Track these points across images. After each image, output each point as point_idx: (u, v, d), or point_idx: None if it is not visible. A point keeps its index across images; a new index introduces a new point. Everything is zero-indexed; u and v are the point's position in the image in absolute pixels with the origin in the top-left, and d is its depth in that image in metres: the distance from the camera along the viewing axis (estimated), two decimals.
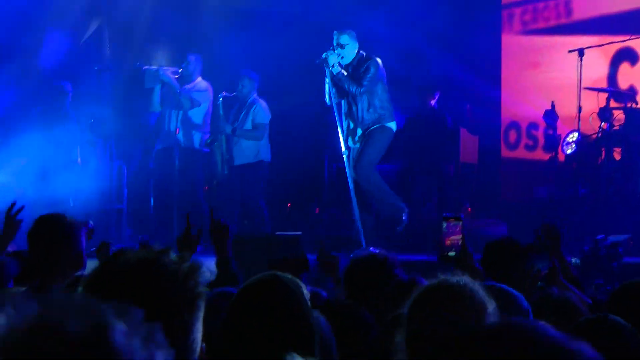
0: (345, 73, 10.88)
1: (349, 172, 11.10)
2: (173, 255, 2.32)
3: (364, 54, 11.06)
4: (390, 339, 3.18)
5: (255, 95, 12.32)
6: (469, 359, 1.68)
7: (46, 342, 1.34)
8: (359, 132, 11.05)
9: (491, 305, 3.10)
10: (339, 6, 13.64)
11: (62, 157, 12.70)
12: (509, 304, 3.75)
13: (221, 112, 12.30)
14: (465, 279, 3.16)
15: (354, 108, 10.95)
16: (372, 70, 10.88)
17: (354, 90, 10.80)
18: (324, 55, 10.83)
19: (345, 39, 10.97)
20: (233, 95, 12.40)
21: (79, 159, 13.09)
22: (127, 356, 1.33)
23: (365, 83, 10.85)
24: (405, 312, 3.09)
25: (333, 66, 10.79)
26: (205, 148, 12.69)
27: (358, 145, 11.16)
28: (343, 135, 11.21)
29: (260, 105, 12.29)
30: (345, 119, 11.09)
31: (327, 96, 11.08)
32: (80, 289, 2.55)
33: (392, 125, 11.04)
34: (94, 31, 14.50)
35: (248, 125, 12.20)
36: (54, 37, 13.86)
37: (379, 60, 11.08)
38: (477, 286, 3.15)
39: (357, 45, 11.05)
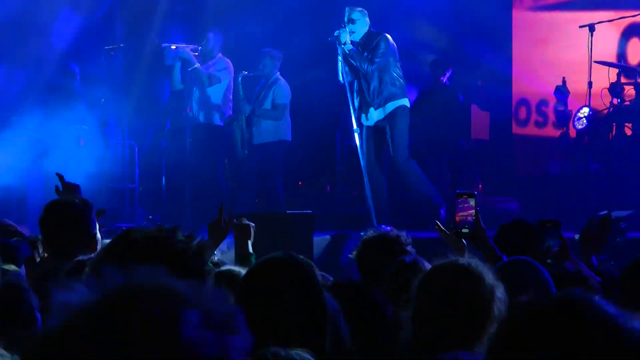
0: (356, 50, 10.86)
1: (360, 150, 11.05)
2: (181, 235, 2.38)
3: (373, 31, 11.01)
4: (400, 321, 3.29)
5: (277, 74, 12.28)
6: (533, 330, 1.67)
7: (118, 320, 1.35)
8: (372, 110, 10.95)
9: (499, 289, 3.14)
10: None
11: (68, 137, 12.58)
12: (534, 274, 3.89)
13: (241, 92, 12.24)
14: (475, 260, 3.22)
15: (364, 85, 10.92)
16: (383, 45, 10.80)
17: (365, 67, 10.75)
18: (336, 33, 10.75)
19: (356, 14, 10.90)
20: (253, 75, 12.37)
21: (81, 140, 12.76)
22: (195, 349, 1.32)
23: (376, 60, 10.78)
24: (413, 292, 3.12)
25: (345, 43, 10.73)
26: (226, 126, 12.63)
27: (373, 125, 11.04)
28: (355, 114, 11.12)
29: (281, 85, 12.25)
30: (357, 96, 11.01)
31: (340, 74, 11.01)
32: (86, 269, 2.64)
33: (406, 102, 10.99)
34: (106, 10, 14.25)
35: (268, 105, 12.16)
36: (66, 15, 13.54)
37: (388, 35, 11.02)
38: (485, 269, 3.20)
39: (367, 22, 10.98)
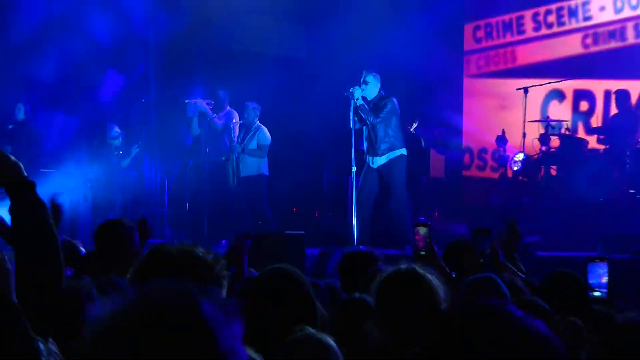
0: (365, 105, 10.95)
1: (354, 184, 11.29)
2: (200, 249, 2.49)
3: (383, 94, 11.19)
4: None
5: (257, 121, 12.59)
6: (454, 335, 1.78)
7: (151, 318, 1.42)
8: (377, 154, 11.14)
9: (441, 290, 3.34)
10: (325, 51, 13.94)
11: (111, 172, 12.90)
12: (495, 287, 4.08)
13: (233, 135, 12.59)
14: (422, 269, 3.38)
15: (372, 134, 11.11)
16: (390, 106, 11.03)
17: (372, 119, 10.93)
18: (350, 90, 10.88)
19: (370, 78, 11.12)
20: (241, 122, 12.68)
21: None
22: (215, 324, 1.41)
23: (382, 115, 10.97)
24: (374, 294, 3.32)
25: (358, 99, 10.85)
26: (224, 162, 12.86)
27: (376, 167, 11.18)
28: (354, 155, 11.17)
29: (263, 130, 12.54)
30: (365, 141, 11.21)
31: (351, 122, 11.14)
32: (128, 276, 2.76)
33: (404, 151, 11.20)
34: (143, 70, 14.64)
35: (254, 145, 12.44)
36: (111, 74, 13.98)
37: (395, 99, 11.23)
38: (428, 274, 3.38)
39: (379, 85, 11.17)
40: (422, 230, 5.42)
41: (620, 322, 2.46)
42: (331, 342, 2.97)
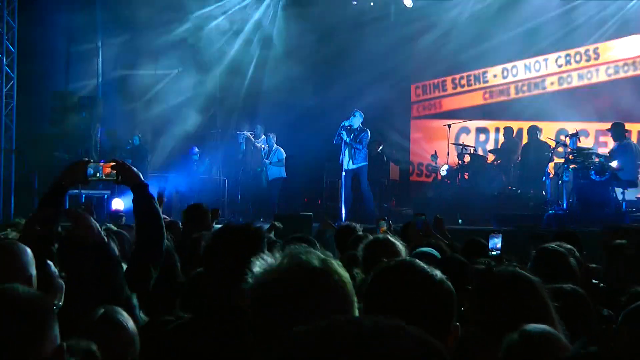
0: (352, 142, 11.35)
1: (343, 182, 12.05)
2: (253, 225, 2.59)
3: (362, 126, 11.78)
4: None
5: (274, 144, 13.46)
6: (379, 284, 1.81)
7: (301, 272, 1.44)
8: (352, 164, 11.83)
9: (403, 248, 3.17)
10: (327, 101, 14.38)
11: (191, 177, 13.78)
12: (429, 257, 3.66)
13: (263, 153, 13.57)
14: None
15: (350, 151, 11.74)
16: (367, 136, 11.77)
17: (355, 144, 11.63)
18: (348, 122, 11.44)
19: (357, 113, 11.68)
20: (266, 145, 13.43)
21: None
22: (341, 278, 1.43)
23: (363, 142, 11.74)
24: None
25: (350, 126, 11.43)
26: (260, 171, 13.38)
27: (352, 171, 11.77)
28: (343, 163, 12.00)
29: (279, 150, 13.33)
30: (343, 155, 11.76)
31: (337, 138, 11.62)
32: (203, 243, 3.10)
33: (366, 164, 11.97)
34: (213, 112, 15.59)
35: (275, 159, 13.39)
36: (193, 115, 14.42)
37: (368, 131, 11.83)
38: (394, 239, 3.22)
39: (361, 119, 11.70)
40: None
41: (497, 271, 2.30)
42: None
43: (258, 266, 1.46)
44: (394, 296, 1.73)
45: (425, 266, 1.85)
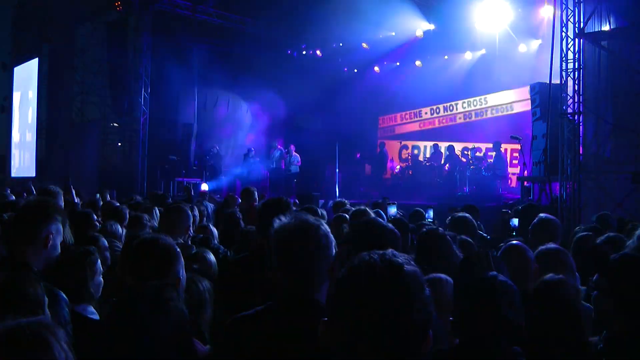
0: None
1: (337, 177, 15.56)
2: (283, 200, 2.95)
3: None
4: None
5: (293, 152, 17.03)
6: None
7: (301, 224, 1.71)
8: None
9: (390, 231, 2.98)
10: (332, 123, 17.78)
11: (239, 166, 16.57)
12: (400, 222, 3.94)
13: (290, 160, 16.89)
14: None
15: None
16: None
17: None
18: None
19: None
20: (287, 153, 16.81)
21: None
22: (324, 228, 1.52)
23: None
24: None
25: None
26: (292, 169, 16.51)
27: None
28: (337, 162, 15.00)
29: (296, 155, 17.09)
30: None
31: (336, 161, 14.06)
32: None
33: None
34: (248, 131, 18.47)
35: (294, 162, 17.00)
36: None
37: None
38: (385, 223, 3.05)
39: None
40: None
41: (426, 229, 2.73)
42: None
43: (277, 222, 1.87)
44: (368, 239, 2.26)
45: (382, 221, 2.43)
